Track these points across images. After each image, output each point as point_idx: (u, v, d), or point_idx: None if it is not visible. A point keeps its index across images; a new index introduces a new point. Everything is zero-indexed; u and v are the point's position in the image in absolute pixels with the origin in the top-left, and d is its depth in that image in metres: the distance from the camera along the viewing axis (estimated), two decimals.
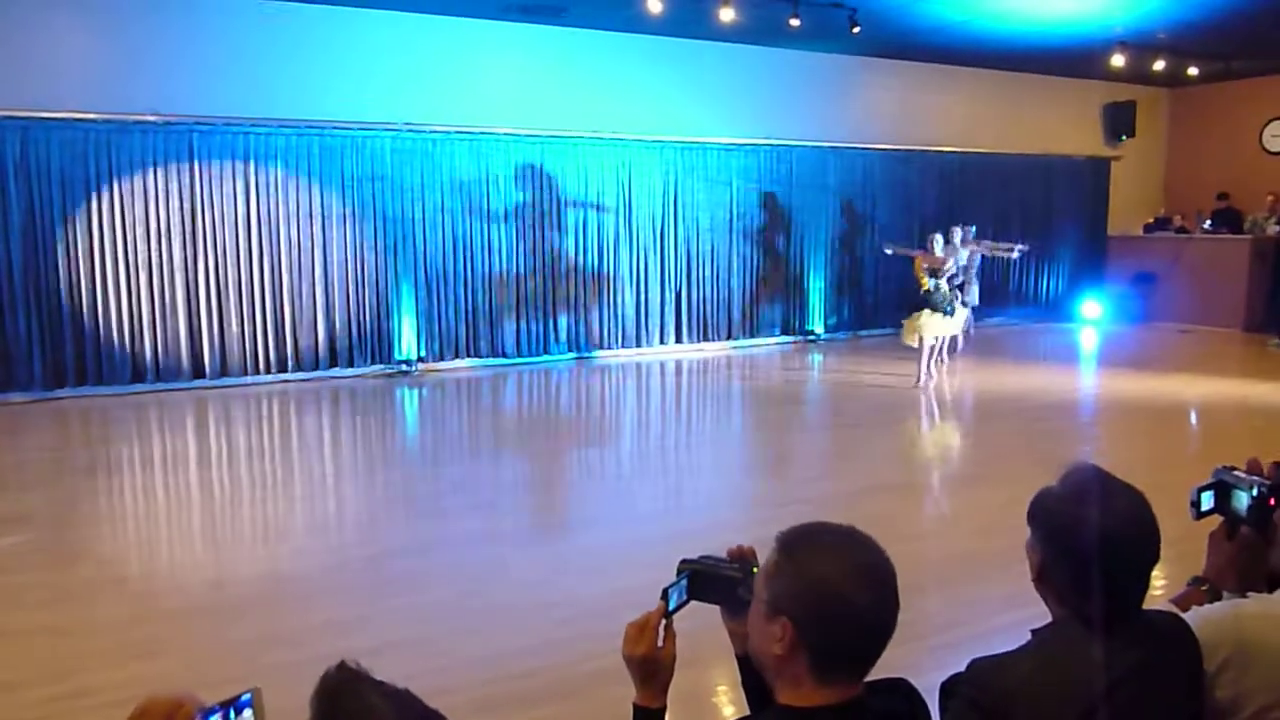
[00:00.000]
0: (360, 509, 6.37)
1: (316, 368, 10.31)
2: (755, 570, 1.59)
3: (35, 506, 6.11)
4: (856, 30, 10.36)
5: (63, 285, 9.20)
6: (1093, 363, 12.79)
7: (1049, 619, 1.65)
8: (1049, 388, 10.23)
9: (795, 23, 10.00)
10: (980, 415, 9.02)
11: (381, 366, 10.67)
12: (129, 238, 9.45)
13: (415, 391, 10.24)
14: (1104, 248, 15.49)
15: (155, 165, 9.47)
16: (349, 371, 10.48)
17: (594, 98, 11.36)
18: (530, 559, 5.34)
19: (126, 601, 4.64)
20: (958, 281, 10.90)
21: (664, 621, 1.59)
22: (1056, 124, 14.70)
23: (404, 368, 10.73)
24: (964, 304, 11.17)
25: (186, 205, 9.62)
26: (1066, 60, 13.02)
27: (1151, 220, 15.31)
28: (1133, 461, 6.73)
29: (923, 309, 9.78)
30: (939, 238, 10.28)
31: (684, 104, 11.89)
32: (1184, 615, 1.69)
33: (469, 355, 11.15)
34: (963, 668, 1.62)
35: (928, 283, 9.73)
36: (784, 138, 12.60)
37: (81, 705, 3.64)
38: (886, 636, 1.41)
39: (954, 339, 11.26)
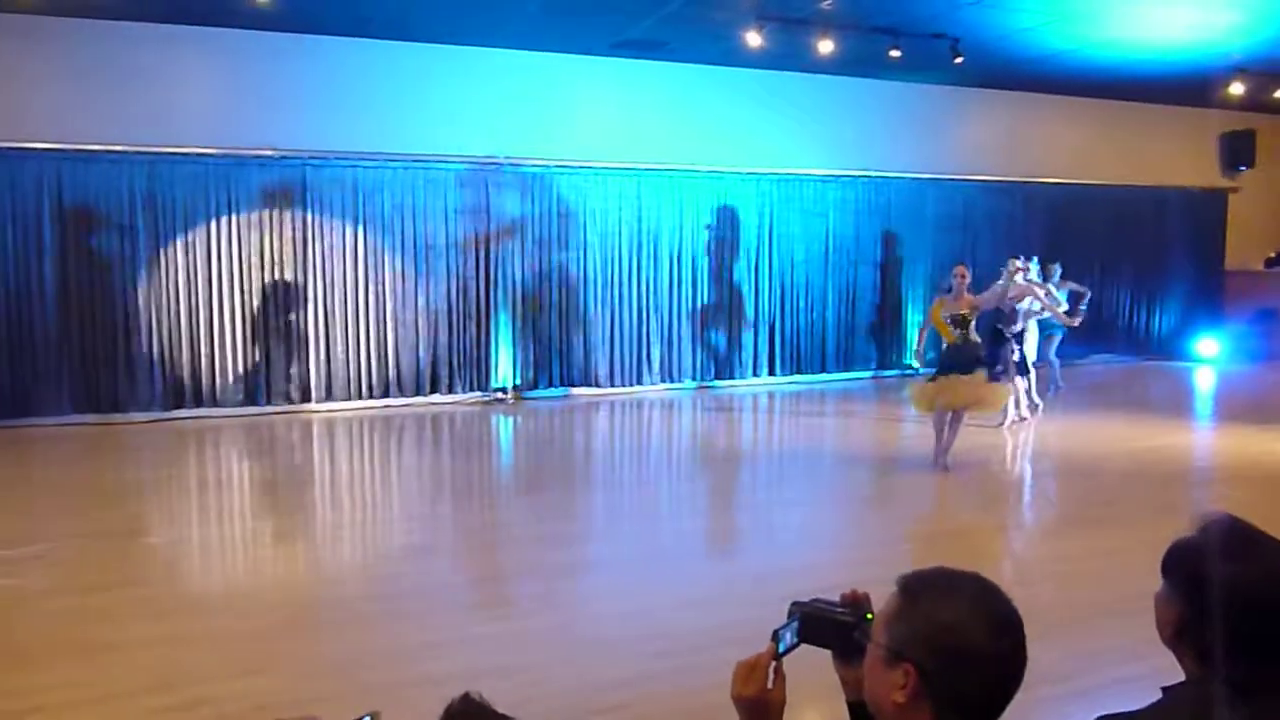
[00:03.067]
0: (456, 533, 6.46)
1: (417, 393, 10.56)
2: (869, 616, 1.55)
3: (153, 521, 6.38)
4: (959, 60, 10.21)
5: (182, 310, 9.66)
6: (1209, 404, 12.19)
7: (1170, 675, 1.56)
8: (1159, 429, 9.78)
9: (896, 54, 9.91)
10: (1086, 459, 8.56)
11: (479, 394, 10.87)
12: (244, 266, 9.88)
13: (510, 419, 10.38)
14: (1221, 283, 14.80)
15: (270, 196, 9.90)
16: (448, 398, 10.70)
17: (692, 131, 11.44)
18: (624, 590, 5.33)
19: (234, 616, 4.80)
20: (1015, 328, 9.36)
21: (774, 663, 1.56)
22: (1170, 154, 14.16)
23: (500, 395, 10.91)
24: (1013, 366, 9.27)
25: (299, 235, 10.03)
26: (1180, 88, 12.56)
27: (1273, 254, 14.58)
28: (1260, 512, 6.36)
29: (949, 370, 7.78)
30: (1018, 264, 9.31)
31: (781, 136, 11.88)
32: None
33: (563, 384, 11.27)
34: None
35: (953, 334, 7.83)
36: (882, 169, 12.46)
37: (193, 716, 3.77)
38: (1014, 688, 1.36)
39: (1030, 401, 9.78)
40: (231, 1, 8.56)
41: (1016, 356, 9.33)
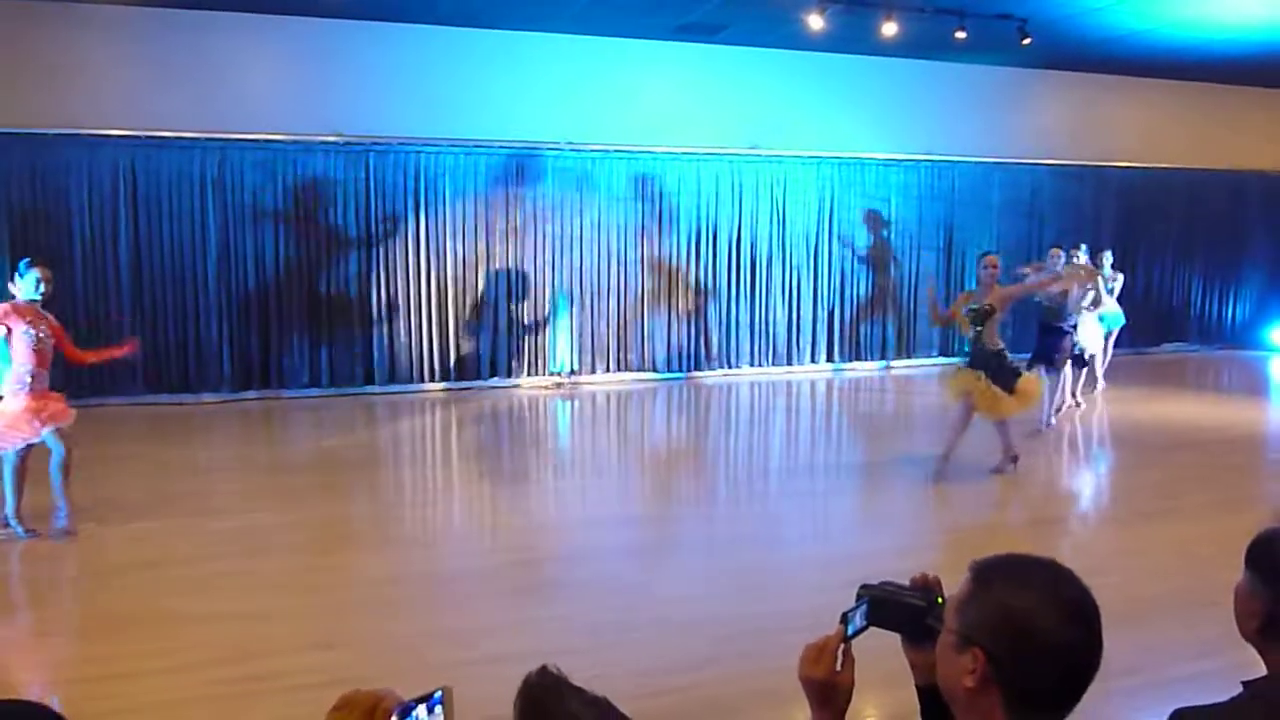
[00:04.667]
0: (515, 516, 6.53)
1: (477, 377, 10.70)
2: (940, 600, 1.54)
3: (227, 502, 6.55)
4: (1027, 42, 9.98)
5: (251, 294, 9.89)
6: None
7: (1243, 671, 1.52)
8: (1233, 420, 9.51)
9: (961, 35, 9.71)
10: (1155, 448, 8.31)
11: (537, 378, 10.96)
12: (311, 250, 10.08)
13: (568, 403, 10.46)
14: None
15: (336, 182, 10.08)
16: (507, 382, 10.81)
17: (751, 114, 11.35)
18: (682, 575, 5.36)
19: (305, 593, 4.94)
20: (1069, 321, 8.92)
21: (843, 645, 1.56)
22: (1246, 137, 13.67)
23: (558, 379, 10.99)
24: (1067, 358, 8.93)
25: (363, 220, 10.20)
26: (1257, 69, 12.12)
27: None
28: None
29: (969, 365, 7.11)
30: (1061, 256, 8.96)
31: (841, 120, 11.74)
32: None
33: (620, 369, 11.31)
34: (1148, 715, 1.52)
35: (969, 329, 7.11)
36: (945, 154, 12.25)
37: (262, 687, 3.89)
38: (1088, 678, 1.34)
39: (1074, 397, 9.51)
40: None
41: (1076, 348, 9.06)
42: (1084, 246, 9.80)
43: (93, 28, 9.20)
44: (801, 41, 10.53)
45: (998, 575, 1.38)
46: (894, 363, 12.39)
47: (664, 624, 4.53)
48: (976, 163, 12.42)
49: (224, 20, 9.48)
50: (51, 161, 9.23)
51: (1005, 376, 6.89)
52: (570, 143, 10.72)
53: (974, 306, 6.98)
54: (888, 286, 12.35)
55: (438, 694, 1.25)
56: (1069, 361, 9.06)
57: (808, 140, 11.64)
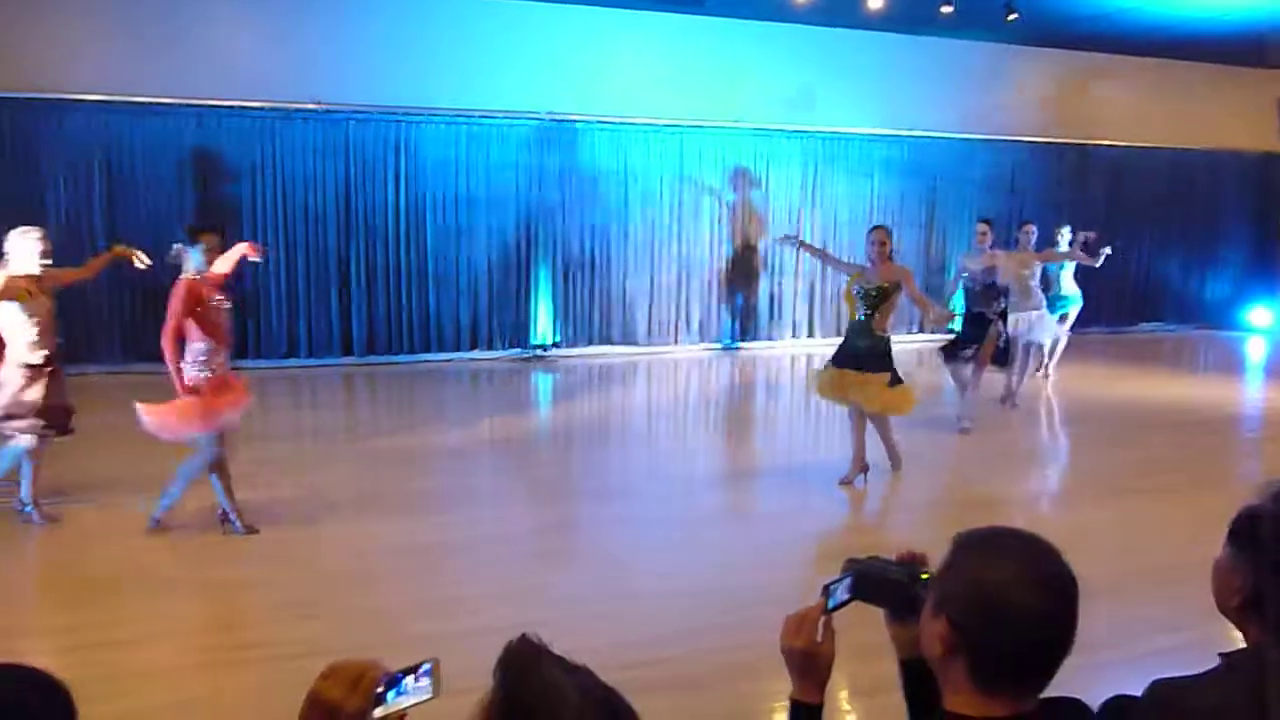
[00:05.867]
0: (496, 489, 6.53)
1: (457, 349, 10.64)
2: (924, 576, 1.55)
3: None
4: (1013, 17, 9.94)
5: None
6: (1260, 374, 11.95)
7: (1216, 645, 1.53)
8: (1206, 400, 9.61)
9: (947, 10, 9.67)
10: (1130, 427, 8.36)
11: (517, 350, 10.92)
12: (289, 220, 9.97)
13: (549, 376, 10.44)
14: (1276, 251, 14.41)
15: (315, 152, 9.95)
16: (487, 354, 10.77)
17: (734, 87, 11.28)
18: (660, 548, 5.38)
19: (290, 564, 4.92)
20: (997, 308, 8.08)
21: (824, 618, 1.57)
22: (1225, 117, 13.71)
23: (539, 352, 10.96)
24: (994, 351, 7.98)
25: (342, 190, 10.09)
26: (1238, 49, 12.16)
27: None
28: None
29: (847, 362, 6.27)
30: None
31: (826, 94, 11.68)
32: None
33: (602, 342, 11.29)
34: (1116, 690, 1.54)
35: (855, 312, 6.31)
36: (929, 129, 12.24)
37: (241, 657, 3.89)
38: (1058, 652, 1.35)
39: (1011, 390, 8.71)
40: None
41: (1001, 340, 8.05)
42: (1067, 228, 9.81)
43: None
44: (785, 14, 10.47)
45: (973, 546, 1.40)
46: None
47: (639, 597, 4.56)
48: (959, 139, 12.42)
49: None
50: (24, 127, 9.06)
51: (883, 369, 6.12)
52: (551, 113, 10.62)
53: (865, 287, 6.15)
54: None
55: (427, 665, 1.25)
56: (994, 355, 8.04)
57: (791, 114, 11.59)
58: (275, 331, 10.03)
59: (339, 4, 9.81)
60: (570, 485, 6.66)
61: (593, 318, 11.23)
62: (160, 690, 3.62)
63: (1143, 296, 13.91)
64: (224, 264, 5.37)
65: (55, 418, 5.36)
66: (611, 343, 11.31)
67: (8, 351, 5.28)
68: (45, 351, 5.30)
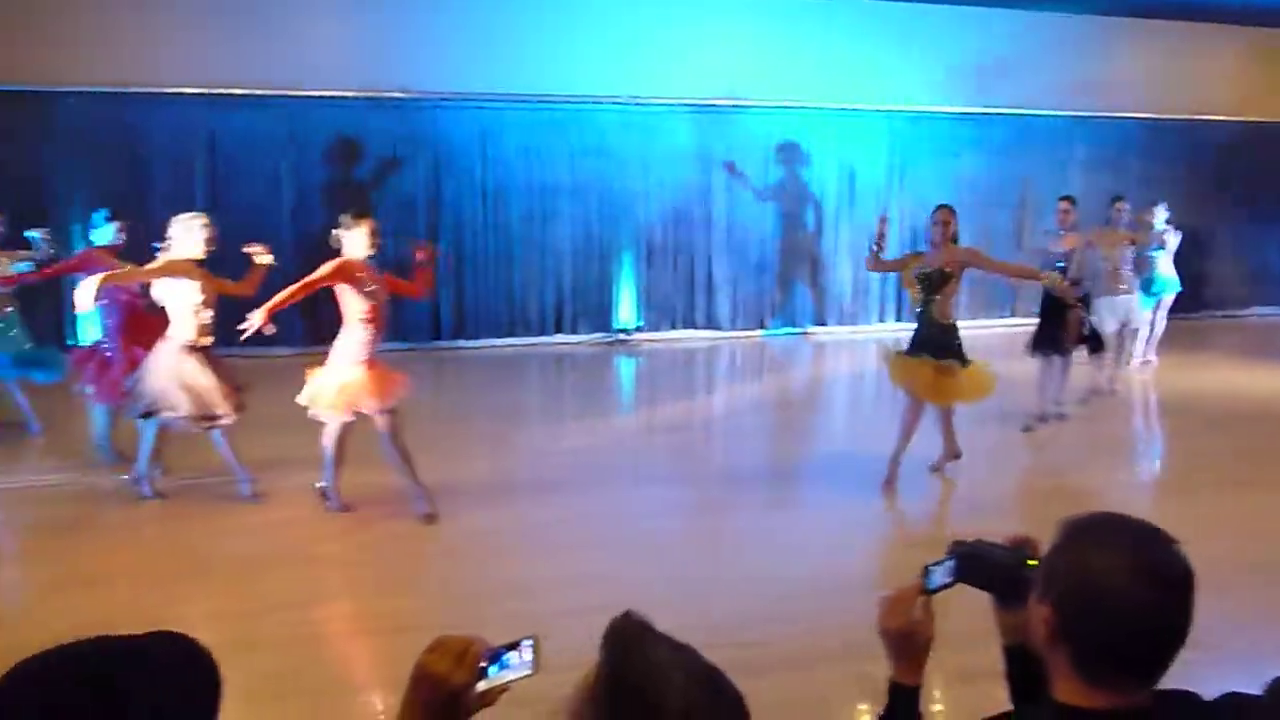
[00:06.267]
0: (578, 472, 6.54)
1: (542, 333, 10.76)
2: (1032, 563, 1.51)
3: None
4: None
5: (319, 247, 10.00)
6: None
7: None
8: None
9: None
10: (1235, 416, 7.93)
11: (601, 335, 10.98)
12: (381, 206, 10.17)
13: (633, 360, 10.47)
14: None
15: (402, 139, 10.15)
16: (571, 338, 10.85)
17: (818, 67, 11.06)
18: (747, 532, 5.36)
19: (392, 542, 5.05)
20: (1082, 289, 7.53)
21: (922, 599, 1.55)
22: None
23: (621, 336, 11.00)
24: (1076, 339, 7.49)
25: (431, 176, 10.27)
26: None
27: None
28: None
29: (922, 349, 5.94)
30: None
31: (911, 72, 11.37)
32: None
33: (685, 326, 11.28)
34: (1228, 688, 1.46)
35: (917, 297, 6.01)
36: (1022, 106, 11.84)
37: (327, 630, 4.00)
38: (1167, 645, 1.30)
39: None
40: None
41: (1085, 328, 7.55)
42: (1161, 204, 9.24)
43: None
44: None
45: (1082, 532, 1.36)
46: (968, 322, 12.09)
47: (734, 580, 4.55)
48: (1055, 116, 11.99)
49: None
50: (126, 120, 9.45)
51: (955, 356, 5.84)
52: (633, 96, 10.61)
53: (926, 270, 5.85)
54: None
55: (528, 641, 1.28)
56: (1083, 344, 7.61)
57: (878, 93, 11.35)
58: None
59: None
60: (649, 471, 6.66)
61: (675, 302, 11.22)
62: (262, 660, 3.74)
63: (1256, 279, 13.25)
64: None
65: (223, 401, 5.45)
66: (695, 327, 11.29)
67: (171, 330, 5.41)
68: (209, 336, 5.45)
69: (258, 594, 4.36)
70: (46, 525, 5.32)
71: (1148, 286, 9.05)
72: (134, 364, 5.74)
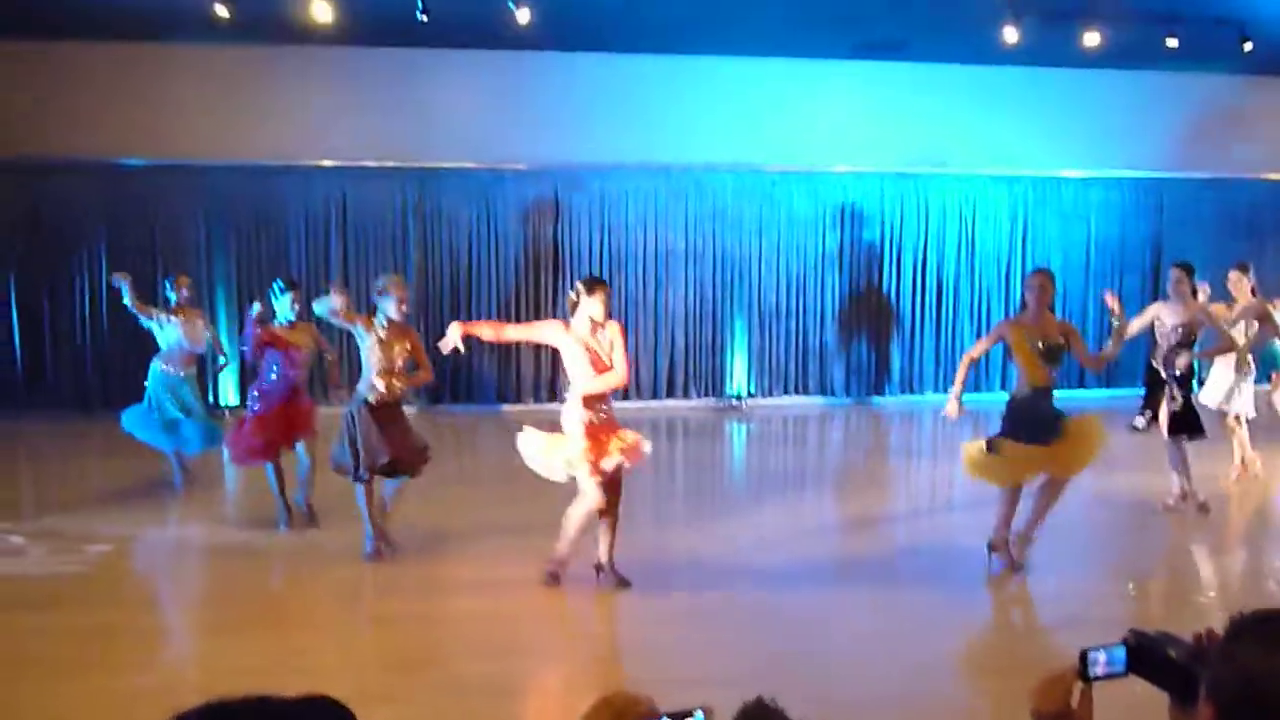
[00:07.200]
0: (681, 540, 6.50)
1: (654, 397, 10.83)
2: None
3: (440, 519, 6.85)
4: (1248, 47, 9.21)
5: (445, 312, 10.40)
6: None
7: None
8: None
9: (1173, 43, 9.09)
10: None
11: (712, 400, 10.98)
12: (500, 273, 10.57)
13: (743, 426, 10.42)
14: None
15: (526, 208, 10.54)
16: (683, 403, 10.89)
17: (937, 133, 10.99)
18: (861, 608, 5.21)
19: (488, 599, 5.12)
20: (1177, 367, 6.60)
21: (1082, 685, 1.48)
22: None
23: (734, 402, 10.97)
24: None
25: (549, 243, 10.60)
26: None
27: None
28: None
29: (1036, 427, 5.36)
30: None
31: (1035, 136, 11.17)
32: None
33: (798, 392, 11.18)
34: None
35: (1038, 371, 5.42)
36: (1151, 169, 11.45)
37: (428, 691, 4.04)
38: None
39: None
40: (491, 25, 9.08)
41: (1177, 405, 6.59)
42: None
43: (310, 66, 10.00)
44: (990, 56, 10.13)
45: (1246, 632, 1.30)
46: (1093, 391, 11.63)
47: (845, 656, 4.43)
48: (1186, 178, 11.54)
49: (423, 56, 10.05)
50: (271, 191, 10.13)
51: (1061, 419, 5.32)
52: (750, 164, 10.74)
53: (1050, 343, 5.29)
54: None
55: (699, 713, 1.25)
56: (1180, 424, 6.59)
57: (999, 158, 11.17)
58: (485, 378, 10.57)
59: (544, 69, 10.36)
60: (761, 536, 6.56)
61: (788, 368, 11.15)
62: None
63: None
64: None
65: (398, 463, 5.56)
66: (807, 393, 11.17)
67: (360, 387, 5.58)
68: (382, 394, 5.45)
69: (338, 649, 4.45)
70: (218, 574, 5.62)
71: (1262, 364, 8.08)
72: (269, 427, 6.03)
